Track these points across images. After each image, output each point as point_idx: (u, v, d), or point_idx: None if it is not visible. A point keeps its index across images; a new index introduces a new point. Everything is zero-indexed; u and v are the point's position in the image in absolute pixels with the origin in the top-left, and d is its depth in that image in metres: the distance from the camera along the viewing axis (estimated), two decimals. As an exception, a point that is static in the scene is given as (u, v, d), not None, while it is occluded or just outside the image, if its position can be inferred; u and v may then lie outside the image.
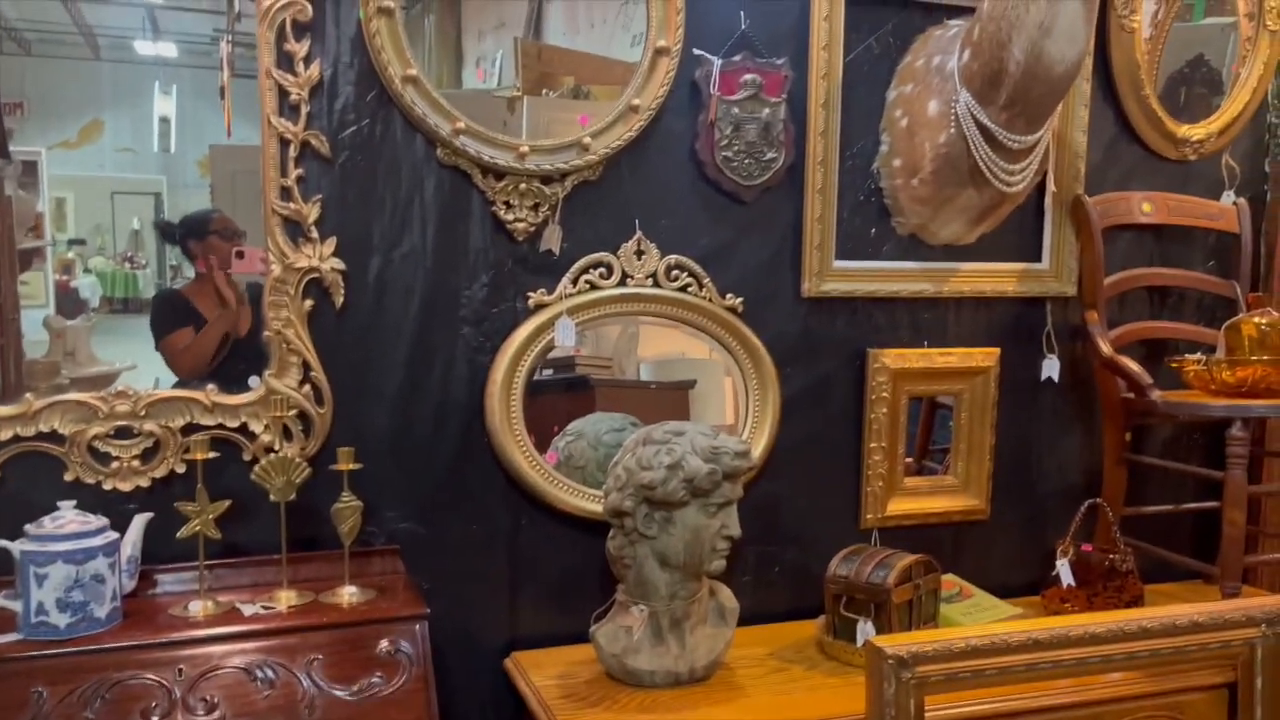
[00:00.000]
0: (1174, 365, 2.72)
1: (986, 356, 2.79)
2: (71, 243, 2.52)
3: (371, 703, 1.92)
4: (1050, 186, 2.64)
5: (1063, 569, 2.61)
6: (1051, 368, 2.85)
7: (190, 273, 2.45)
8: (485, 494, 2.43)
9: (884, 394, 2.69)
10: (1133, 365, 2.68)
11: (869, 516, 2.72)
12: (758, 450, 2.57)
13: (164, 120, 2.41)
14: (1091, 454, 2.93)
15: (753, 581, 2.67)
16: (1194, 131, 2.95)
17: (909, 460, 2.85)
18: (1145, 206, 2.90)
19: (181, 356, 2.29)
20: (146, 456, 2.16)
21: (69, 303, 2.46)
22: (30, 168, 2.37)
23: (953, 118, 2.45)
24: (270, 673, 1.93)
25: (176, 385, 2.24)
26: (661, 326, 2.57)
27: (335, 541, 2.17)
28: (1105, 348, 2.74)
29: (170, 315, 2.34)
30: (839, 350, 2.69)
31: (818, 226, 2.58)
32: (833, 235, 2.61)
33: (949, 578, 2.66)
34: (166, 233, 2.41)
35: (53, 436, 2.11)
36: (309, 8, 2.15)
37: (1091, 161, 2.86)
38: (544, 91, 2.53)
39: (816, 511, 2.71)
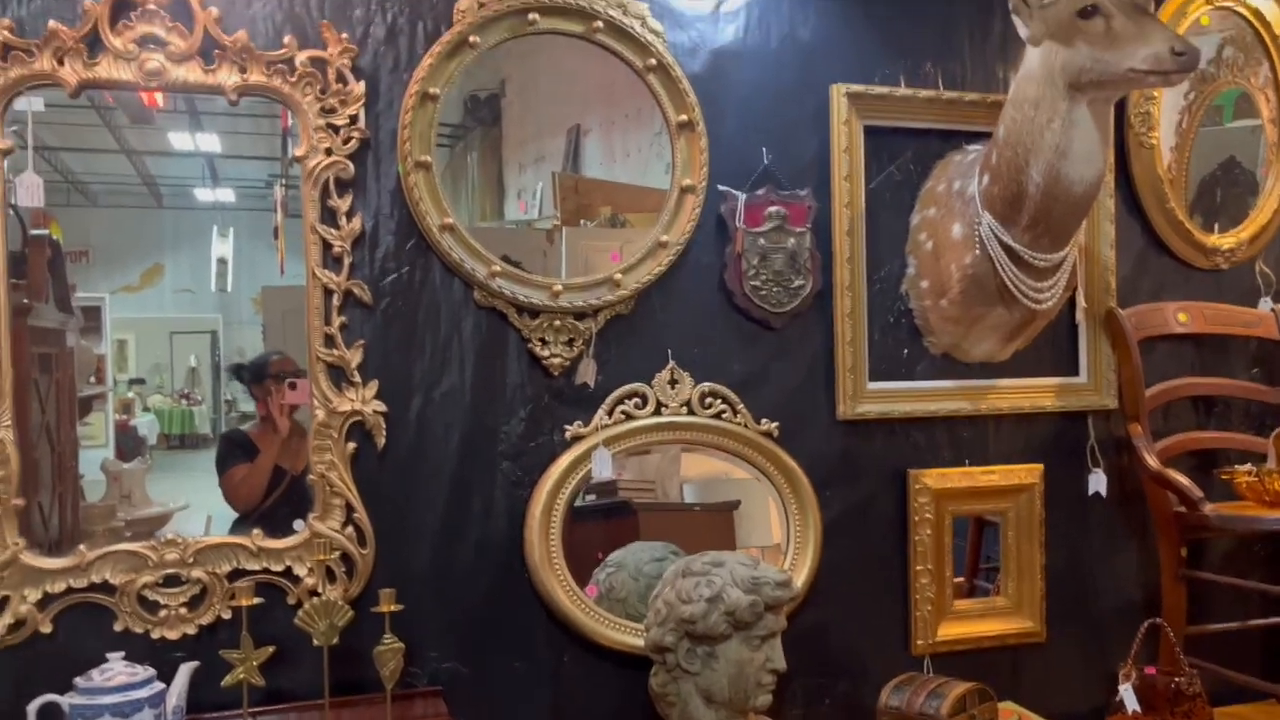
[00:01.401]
0: (1224, 477, 2.66)
1: (1029, 473, 2.75)
2: (132, 382, 2.61)
3: None
4: (1080, 301, 2.66)
5: (1126, 694, 2.51)
6: (1099, 483, 2.81)
7: (245, 406, 2.53)
8: (527, 630, 2.41)
9: (927, 515, 2.66)
10: (1182, 479, 2.63)
11: (920, 642, 2.66)
12: (801, 577, 2.54)
13: (221, 262, 2.52)
14: (1148, 570, 2.85)
15: (803, 716, 2.60)
16: (1224, 240, 2.96)
17: (960, 580, 2.79)
18: (1181, 316, 2.89)
19: (238, 489, 2.34)
20: (194, 604, 2.19)
21: (128, 442, 2.54)
22: (93, 313, 2.49)
23: (977, 239, 2.49)
24: (312, 824, 1.90)
25: (234, 525, 2.30)
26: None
27: (378, 684, 2.16)
28: (1152, 461, 2.69)
29: (232, 452, 2.41)
30: (879, 471, 2.68)
31: (849, 349, 2.61)
32: (865, 357, 2.63)
33: (1007, 706, 2.57)
34: (238, 375, 2.51)
35: (104, 587, 2.15)
36: (351, 166, 2.28)
37: (1122, 274, 2.87)
38: (582, 221, 2.63)
39: (865, 639, 2.65)
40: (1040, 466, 2.77)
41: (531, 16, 2.39)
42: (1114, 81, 2.23)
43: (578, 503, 2.60)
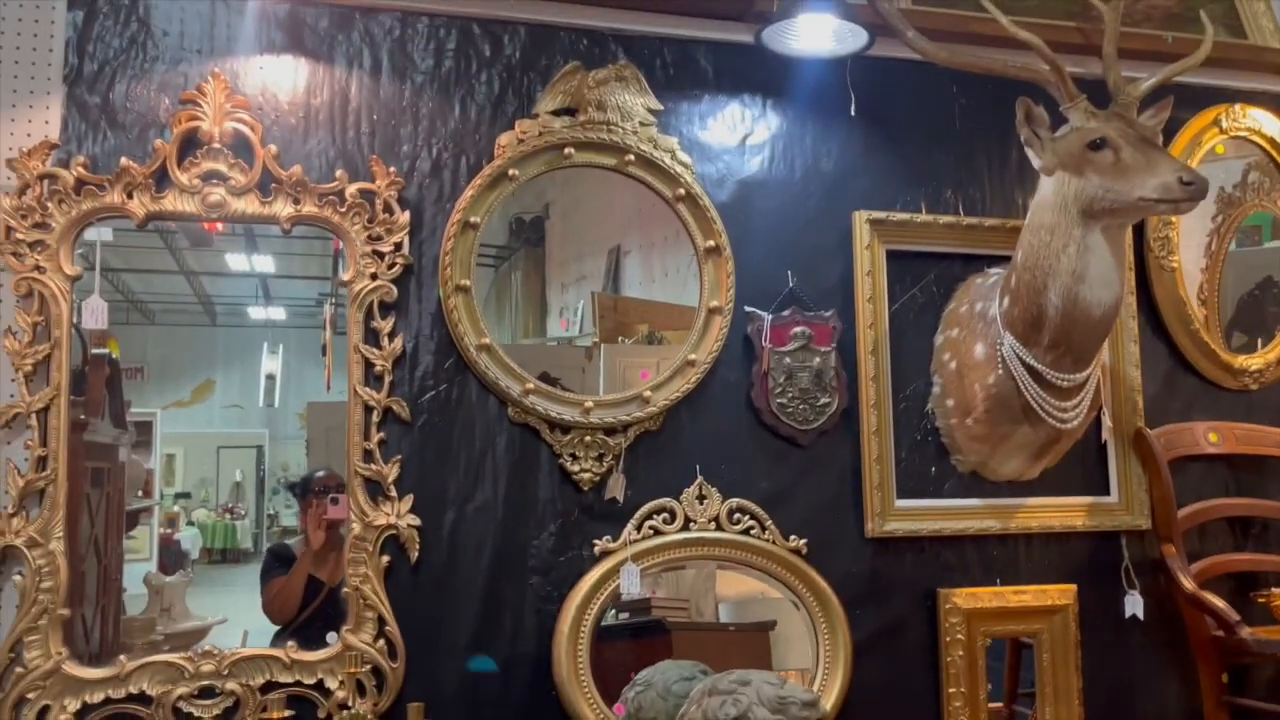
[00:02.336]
0: (1261, 600, 2.63)
1: (1063, 594, 2.73)
2: (178, 496, 2.71)
3: None
4: (1106, 421, 2.68)
5: (1171, 827, 2.42)
6: (1135, 605, 2.77)
7: (288, 521, 2.60)
8: (554, 749, 2.41)
9: (959, 635, 2.63)
10: (1218, 602, 2.60)
11: (956, 770, 2.60)
12: (831, 698, 2.52)
13: (270, 378, 2.63)
14: (1190, 696, 2.78)
15: (836, 846, 2.53)
16: (1251, 361, 2.99)
17: (998, 706, 2.74)
18: (1211, 436, 2.90)
19: (274, 600, 2.41)
20: (227, 715, 2.23)
21: (171, 555, 2.62)
22: (145, 427, 2.59)
23: (999, 360, 2.55)
24: None
25: (273, 639, 2.35)
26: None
27: (406, 807, 2.17)
28: (1187, 583, 2.66)
29: (274, 565, 2.48)
30: (909, 591, 2.68)
31: (876, 467, 2.64)
32: (892, 475, 2.66)
33: (1048, 838, 2.49)
34: (290, 489, 2.59)
35: (141, 698, 2.19)
36: (394, 289, 2.40)
37: (1150, 394, 2.90)
38: (620, 339, 2.73)
39: (898, 764, 2.60)
40: (1074, 587, 2.75)
41: (567, 151, 2.54)
42: (1126, 210, 2.31)
43: (610, 621, 2.62)
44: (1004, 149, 2.87)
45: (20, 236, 2.21)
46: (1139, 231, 2.91)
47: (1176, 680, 2.80)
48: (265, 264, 2.66)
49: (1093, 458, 2.85)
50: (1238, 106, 2.99)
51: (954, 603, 2.64)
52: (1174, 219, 2.91)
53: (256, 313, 2.81)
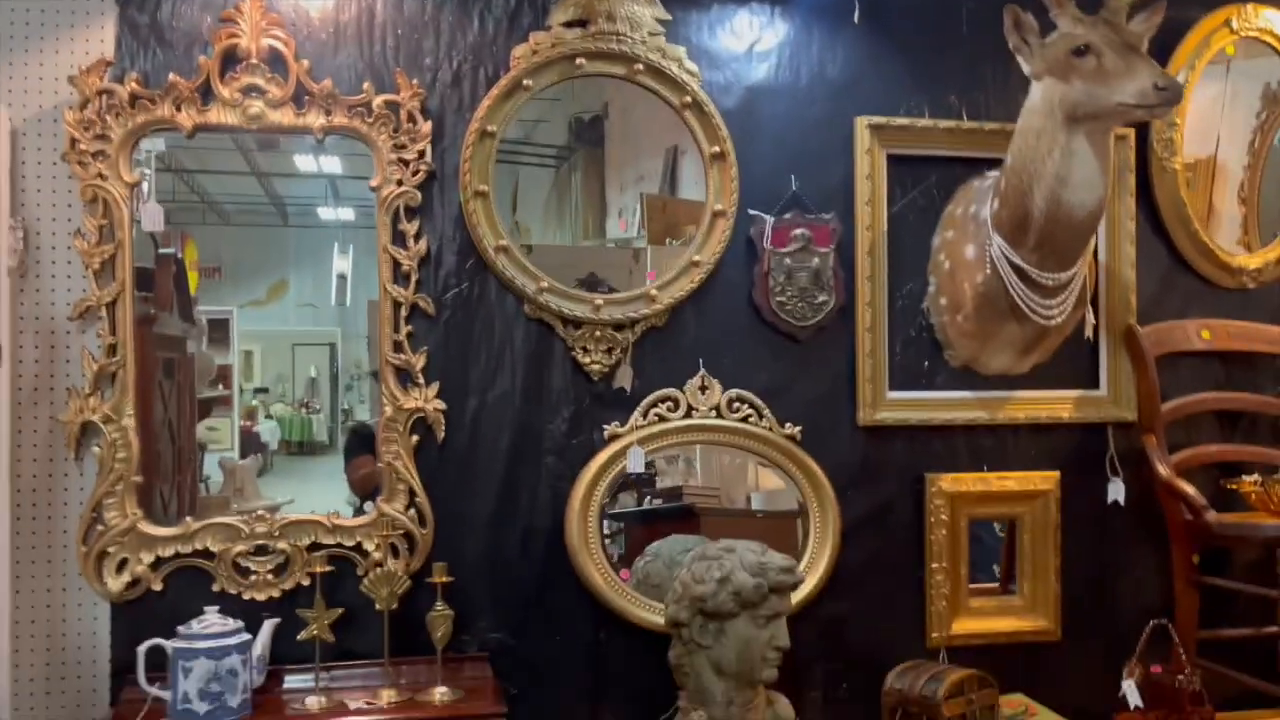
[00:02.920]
0: (1231, 487, 2.77)
1: (1046, 480, 2.91)
2: (256, 391, 2.92)
3: (452, 789, 2.18)
4: (1089, 319, 2.80)
5: (1129, 690, 2.64)
6: (1117, 491, 2.94)
7: (361, 415, 2.84)
8: (567, 609, 2.70)
9: (943, 516, 2.84)
10: (1188, 488, 2.75)
11: (934, 635, 2.83)
12: (819, 570, 2.76)
13: (341, 277, 2.82)
14: (1163, 576, 2.96)
15: (821, 697, 2.81)
16: (1250, 261, 3.06)
17: (993, 585, 2.94)
18: (1204, 334, 3.00)
19: (361, 479, 2.67)
20: (279, 571, 2.55)
21: (251, 446, 2.85)
22: (222, 325, 2.81)
23: (988, 260, 2.68)
24: (369, 759, 2.22)
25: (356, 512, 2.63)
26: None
27: (433, 648, 2.47)
28: (1163, 470, 2.82)
29: (357, 444, 2.74)
30: (897, 476, 2.88)
31: (869, 361, 2.82)
32: (885, 368, 2.84)
33: (1016, 697, 2.73)
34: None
35: (205, 554, 2.52)
36: (419, 194, 2.61)
37: (1147, 293, 3.01)
38: (668, 240, 2.85)
39: (882, 631, 2.84)
40: (1056, 474, 2.92)
41: (579, 61, 2.69)
42: (1106, 114, 2.40)
43: (645, 506, 2.87)
44: (1009, 52, 2.92)
45: (84, 147, 2.45)
46: (1143, 133, 2.98)
47: (1152, 562, 2.98)
48: (333, 165, 2.75)
49: (1084, 354, 2.98)
50: (1249, 6, 3.00)
51: (939, 486, 2.84)
52: (1178, 119, 2.95)
53: (326, 213, 2.93)
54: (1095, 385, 2.99)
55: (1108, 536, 2.98)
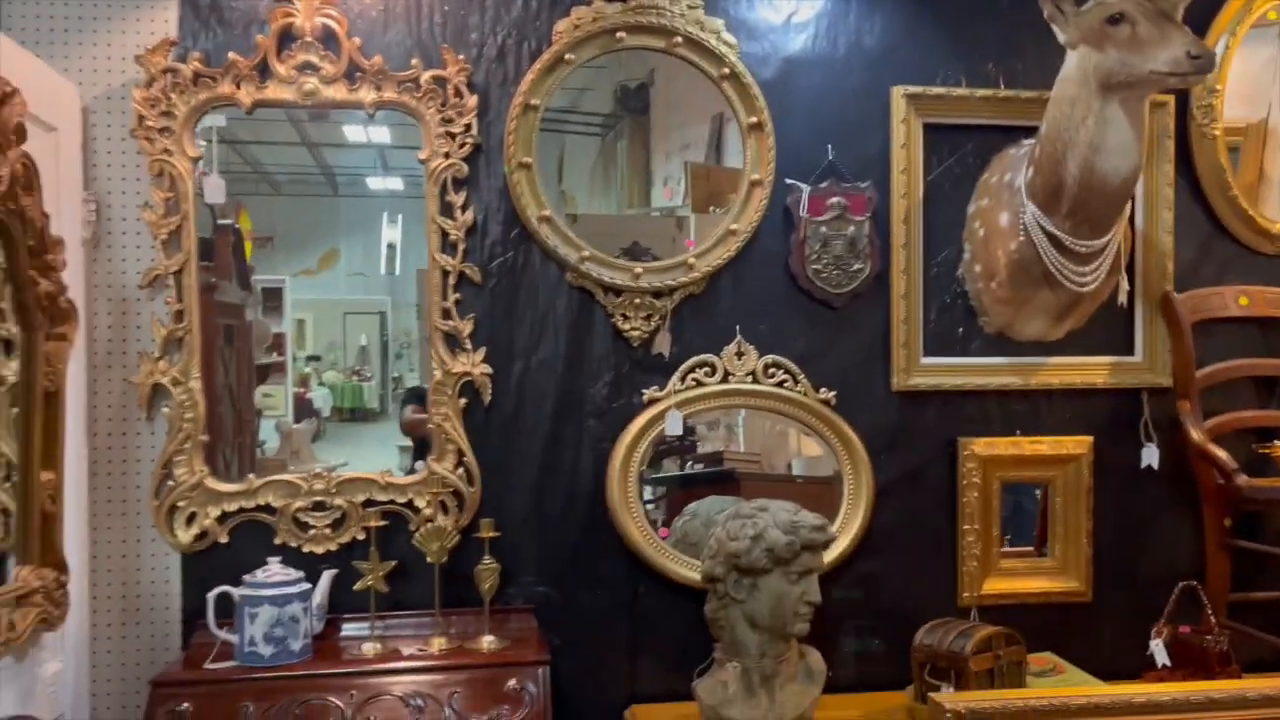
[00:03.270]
0: (1264, 451, 2.80)
1: (1078, 444, 2.95)
2: (309, 359, 3.03)
3: (499, 730, 2.32)
4: (1123, 285, 2.82)
5: (1157, 650, 2.70)
6: (1151, 456, 2.98)
7: (410, 382, 2.96)
8: (607, 565, 2.81)
9: (975, 479, 2.90)
10: (1220, 452, 2.78)
11: (966, 595, 2.91)
12: (852, 530, 2.84)
13: (390, 246, 2.92)
14: (1195, 539, 3.00)
15: (854, 654, 2.90)
16: (1290, 226, 3.06)
17: (1028, 548, 3.00)
18: (1241, 300, 3.01)
19: (411, 423, 2.82)
20: (336, 525, 2.69)
21: (305, 412, 2.97)
22: (275, 294, 2.92)
23: (1022, 227, 2.72)
24: (421, 701, 2.36)
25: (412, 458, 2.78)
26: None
27: (480, 600, 2.61)
28: (1196, 435, 2.85)
29: (412, 398, 2.88)
30: (930, 440, 2.94)
31: (903, 327, 2.88)
32: (919, 334, 2.90)
33: (1044, 655, 2.80)
34: None
35: (267, 509, 2.67)
36: (465, 167, 2.71)
37: (1185, 259, 3.02)
38: (711, 209, 2.91)
39: (915, 589, 2.92)
40: (1089, 439, 2.96)
41: (619, 35, 2.76)
42: (1139, 82, 2.42)
43: (687, 470, 2.97)
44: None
45: (150, 124, 2.59)
46: (1183, 100, 2.98)
47: (1184, 525, 3.01)
48: (382, 135, 2.82)
49: (1119, 320, 3.00)
50: (1294, -30, 2.97)
51: (972, 450, 2.90)
52: (1219, 85, 2.94)
53: (375, 183, 3.01)
54: (1130, 351, 3.02)
55: (1140, 500, 3.02)
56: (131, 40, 2.63)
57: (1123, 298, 2.83)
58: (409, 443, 2.87)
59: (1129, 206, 2.77)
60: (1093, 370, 2.98)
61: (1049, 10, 2.54)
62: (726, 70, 2.80)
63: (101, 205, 2.62)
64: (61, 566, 2.25)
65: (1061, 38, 2.56)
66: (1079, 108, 2.52)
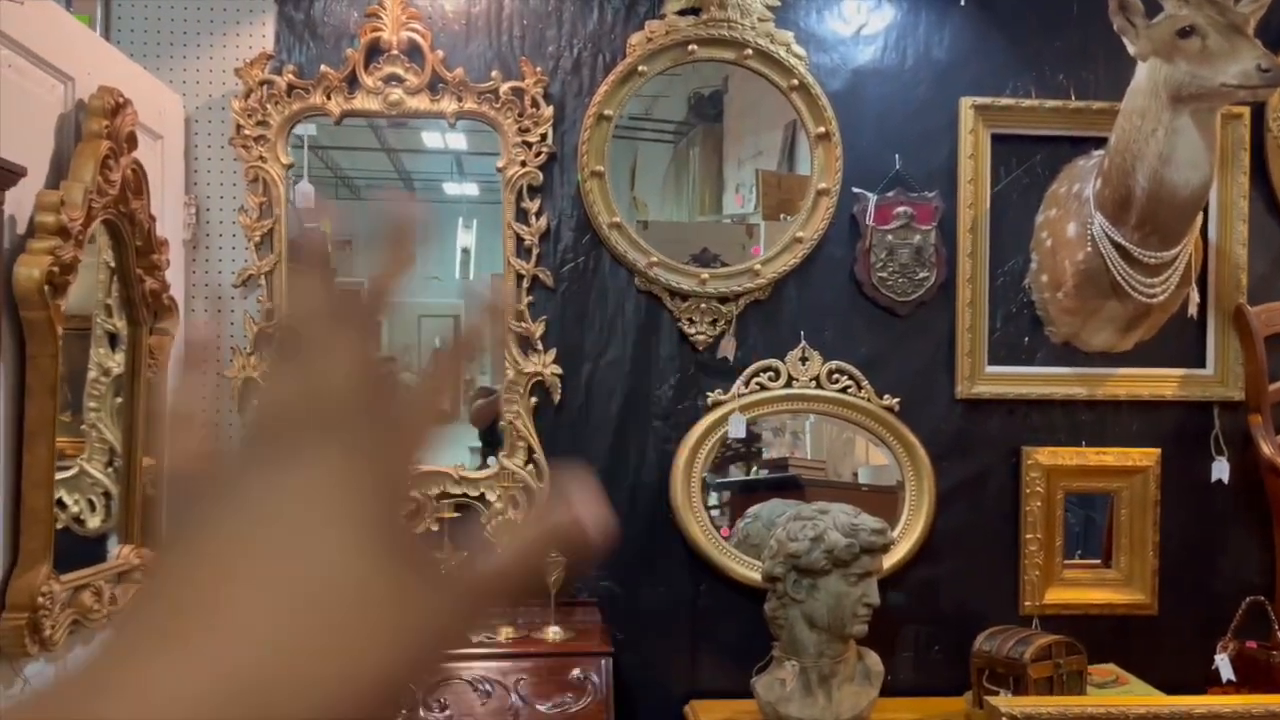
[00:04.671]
0: (1337, 468, 2.76)
1: (1145, 456, 2.94)
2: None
3: (562, 717, 2.40)
4: (1193, 297, 2.81)
5: (1222, 664, 2.68)
6: (1221, 470, 2.95)
7: (480, 383, 3.07)
8: (670, 563, 2.89)
9: (1038, 489, 2.91)
10: (1291, 467, 2.75)
11: (1027, 603, 2.92)
12: (913, 536, 2.88)
13: (464, 251, 3.04)
14: (1265, 556, 2.96)
15: (913, 658, 2.93)
16: (1372, 240, 3.00)
17: (1095, 561, 3.00)
18: (1318, 313, 2.97)
19: (477, 412, 2.93)
20: (409, 517, 2.81)
21: None
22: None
23: (1089, 238, 2.73)
24: (489, 686, 2.47)
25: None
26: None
27: (547, 592, 2.70)
28: (1268, 450, 2.83)
29: (480, 393, 3.00)
30: (994, 448, 2.96)
31: (968, 335, 2.91)
32: (984, 343, 2.92)
33: (1107, 666, 2.80)
34: None
35: (347, 498, 2.80)
36: (540, 175, 2.82)
37: (1258, 272, 2.99)
38: (782, 216, 2.97)
39: (976, 596, 2.94)
40: (1157, 451, 2.95)
41: (691, 47, 2.84)
42: (1209, 95, 2.42)
43: (752, 475, 3.04)
44: (1120, 31, 2.95)
45: (247, 132, 2.75)
46: (1259, 113, 2.95)
47: (1254, 540, 2.98)
48: (459, 141, 2.94)
49: (1190, 332, 2.99)
50: (1378, -20, 2.92)
51: (1035, 459, 2.91)
52: (1294, 98, 2.92)
53: (451, 188, 3.13)
54: (1201, 364, 2.99)
55: (1208, 514, 2.99)
56: (231, 53, 2.79)
57: (1193, 310, 2.81)
58: (480, 444, 2.99)
59: (1200, 218, 2.75)
60: (1162, 382, 2.97)
61: (1119, 22, 2.55)
62: (795, 81, 2.86)
63: (200, 208, 2.79)
64: (159, 546, 2.40)
65: (1132, 50, 2.57)
66: (1149, 119, 2.52)
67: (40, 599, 1.84)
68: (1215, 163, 2.59)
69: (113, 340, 2.29)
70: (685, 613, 2.90)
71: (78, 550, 2.14)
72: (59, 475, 2.01)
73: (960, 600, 2.94)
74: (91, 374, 2.23)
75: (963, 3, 2.89)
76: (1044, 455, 2.91)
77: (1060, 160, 2.96)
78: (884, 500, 3.00)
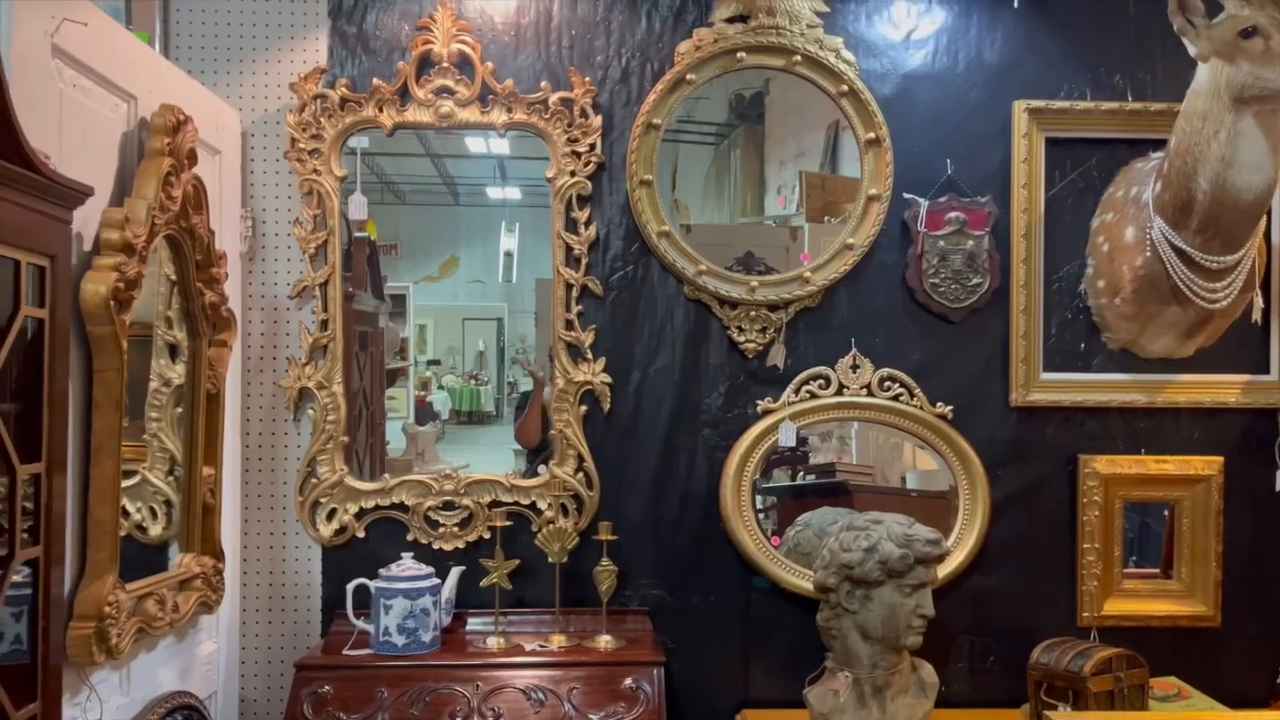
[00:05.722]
0: None
1: (1207, 465, 2.87)
2: (430, 363, 3.17)
3: (615, 726, 2.41)
4: (1257, 303, 2.74)
5: (1288, 679, 2.60)
6: (1285, 478, 2.88)
7: (525, 387, 3.08)
8: (720, 571, 2.88)
9: (1095, 498, 2.86)
10: (1360, 477, 2.67)
11: (1085, 615, 2.86)
12: (967, 546, 2.84)
13: (508, 255, 3.04)
14: (1339, 568, 2.88)
15: (968, 669, 2.89)
16: None
17: (1154, 570, 2.94)
18: (1388, 318, 2.88)
19: (522, 429, 2.97)
20: (463, 524, 2.84)
21: (424, 415, 3.11)
22: (400, 300, 3.07)
23: (1148, 243, 2.67)
24: (542, 695, 2.48)
25: (527, 461, 2.91)
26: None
27: (598, 601, 2.71)
28: (1335, 459, 2.75)
29: (523, 404, 3.03)
30: (1050, 456, 2.91)
31: (1022, 342, 2.86)
32: (1039, 350, 2.87)
33: (1168, 680, 2.74)
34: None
35: (400, 507, 2.84)
36: (589, 184, 2.83)
37: (1324, 275, 2.91)
38: (826, 219, 2.95)
39: (1032, 607, 2.89)
40: (1220, 459, 2.88)
41: (739, 55, 2.83)
42: (1273, 96, 2.36)
43: (799, 481, 3.01)
44: (1178, 30, 2.89)
45: (302, 146, 2.79)
46: (1325, 111, 2.87)
47: (1325, 552, 2.90)
48: (501, 146, 2.92)
49: (1254, 338, 2.91)
50: None
51: (1093, 468, 2.86)
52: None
53: (494, 193, 3.13)
54: (1266, 370, 2.92)
55: (1273, 524, 2.91)
56: (286, 68, 2.83)
57: (1257, 315, 2.74)
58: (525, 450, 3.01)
59: (1264, 222, 2.69)
60: (1224, 389, 2.90)
61: (1179, 23, 2.49)
62: (845, 87, 2.84)
63: (256, 221, 2.83)
64: (219, 555, 2.45)
65: (1192, 51, 2.51)
66: (1210, 121, 2.46)
67: (107, 608, 1.88)
68: (1278, 165, 2.52)
69: (173, 351, 2.34)
70: (736, 621, 2.89)
71: (141, 558, 2.19)
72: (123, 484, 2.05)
73: (1016, 611, 2.90)
74: (153, 384, 2.28)
75: (1015, 4, 2.85)
76: (1101, 464, 2.86)
77: (1116, 163, 2.91)
78: (934, 506, 2.96)
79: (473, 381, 3.23)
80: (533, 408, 2.97)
